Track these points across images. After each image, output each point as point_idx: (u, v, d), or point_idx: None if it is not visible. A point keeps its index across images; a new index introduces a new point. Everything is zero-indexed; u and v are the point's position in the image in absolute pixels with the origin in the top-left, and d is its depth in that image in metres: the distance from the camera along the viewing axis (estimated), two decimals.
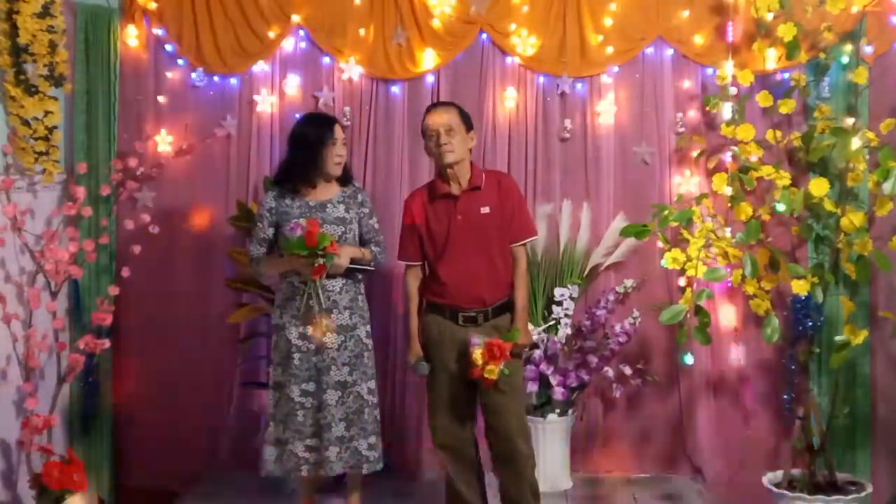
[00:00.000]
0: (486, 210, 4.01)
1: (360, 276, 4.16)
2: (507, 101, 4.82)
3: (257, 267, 4.22)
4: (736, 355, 4.80)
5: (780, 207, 4.34)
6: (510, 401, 3.99)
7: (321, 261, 3.88)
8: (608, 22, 4.77)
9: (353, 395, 4.07)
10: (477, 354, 3.82)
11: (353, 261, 4.05)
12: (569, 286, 4.72)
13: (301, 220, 3.98)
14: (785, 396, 4.68)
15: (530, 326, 4.31)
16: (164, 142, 4.89)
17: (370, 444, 4.10)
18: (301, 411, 4.07)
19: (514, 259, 4.08)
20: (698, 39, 4.75)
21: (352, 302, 4.10)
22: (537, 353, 4.61)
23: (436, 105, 4.17)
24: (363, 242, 4.19)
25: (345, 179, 4.19)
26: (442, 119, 3.99)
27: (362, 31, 4.84)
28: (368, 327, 4.18)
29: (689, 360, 4.75)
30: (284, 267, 4.08)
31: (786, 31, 4.46)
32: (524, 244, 4.11)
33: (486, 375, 3.80)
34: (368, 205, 4.22)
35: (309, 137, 4.09)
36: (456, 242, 4.00)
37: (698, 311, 4.13)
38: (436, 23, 4.80)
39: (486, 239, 4.00)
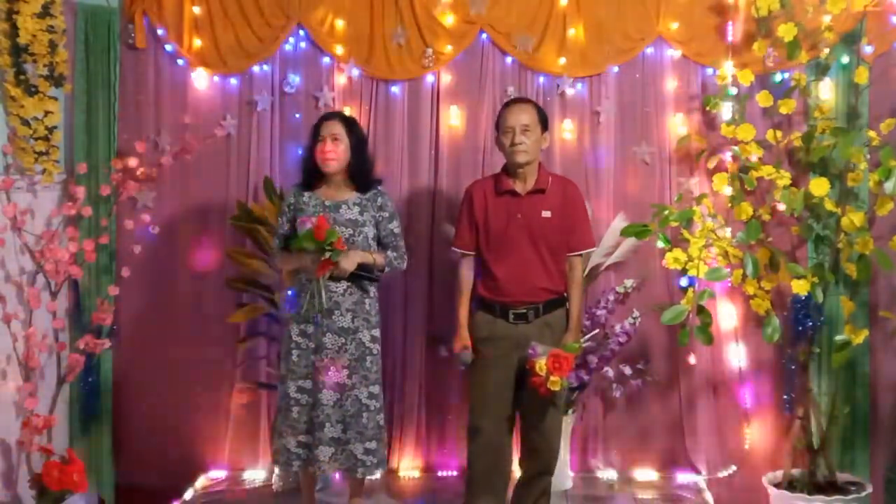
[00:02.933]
0: (547, 214, 4.02)
1: (366, 284, 4.11)
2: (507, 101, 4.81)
3: (274, 261, 4.25)
4: (736, 355, 4.80)
5: (781, 207, 4.33)
6: (555, 406, 4.04)
7: (328, 255, 3.87)
8: (608, 22, 4.76)
9: (352, 398, 4.05)
10: (541, 364, 3.79)
11: (360, 266, 4.04)
12: None
13: (313, 216, 3.99)
14: (785, 396, 4.68)
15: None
16: (163, 142, 4.88)
17: (367, 448, 4.07)
18: (296, 408, 4.06)
19: (571, 268, 4.11)
20: (698, 39, 4.75)
21: (356, 305, 4.07)
22: None
23: (515, 101, 4.17)
24: (382, 246, 4.17)
25: (362, 182, 4.13)
26: (520, 117, 4.00)
27: (362, 31, 4.83)
28: (375, 331, 4.14)
29: (692, 360, 4.75)
30: (294, 263, 4.07)
31: (786, 31, 4.46)
32: (581, 255, 4.14)
33: (549, 387, 3.79)
34: (389, 209, 4.16)
35: (310, 134, 4.15)
36: (512, 240, 4.01)
37: (700, 311, 4.13)
38: (436, 23, 4.80)
39: (542, 242, 4.02)
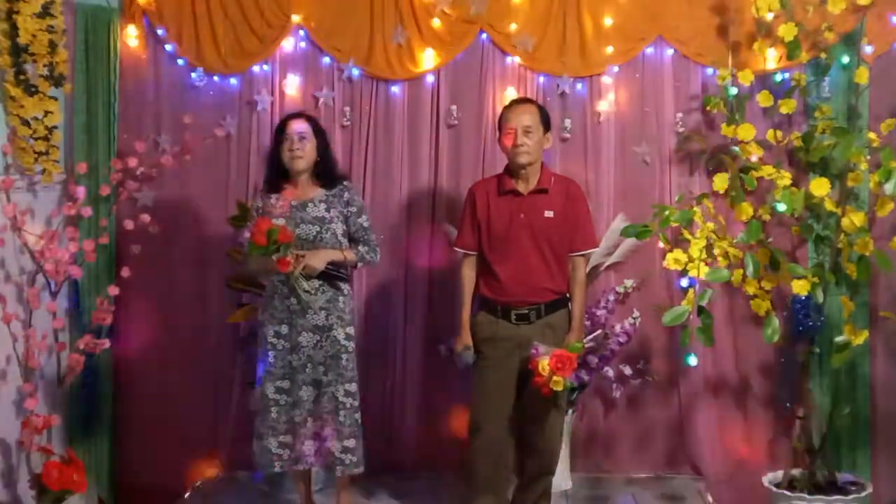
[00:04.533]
0: (549, 214, 4.01)
1: (338, 282, 4.11)
2: (507, 101, 4.79)
3: (247, 266, 4.24)
4: (736, 355, 4.79)
5: (781, 207, 4.33)
6: (556, 406, 4.03)
7: (276, 255, 3.87)
8: (608, 22, 4.76)
9: (328, 395, 4.05)
10: (544, 364, 3.78)
11: (332, 264, 4.04)
12: None
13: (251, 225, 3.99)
14: (785, 396, 4.68)
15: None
16: (164, 142, 4.88)
17: (345, 446, 4.06)
18: (275, 408, 4.07)
19: (573, 268, 4.10)
20: (698, 39, 4.75)
21: (329, 303, 4.06)
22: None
23: (517, 101, 4.16)
24: (353, 241, 4.17)
25: (328, 179, 4.15)
26: (522, 118, 3.99)
27: (362, 31, 4.83)
28: (350, 329, 4.12)
29: (692, 360, 4.75)
30: (264, 265, 4.05)
31: (786, 31, 4.46)
32: (584, 255, 4.13)
33: (552, 387, 3.77)
34: (357, 203, 4.18)
35: (273, 135, 4.17)
36: (515, 241, 4.01)
37: (701, 311, 4.13)
38: (436, 23, 4.80)
39: (545, 242, 4.01)
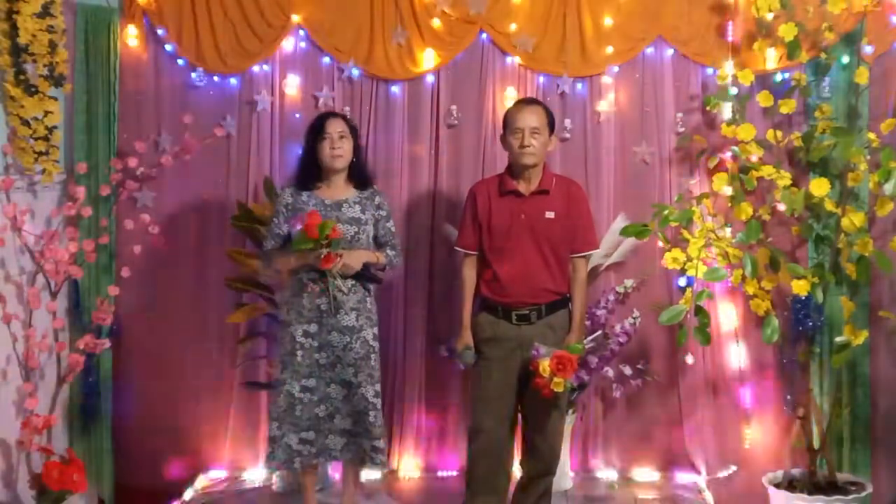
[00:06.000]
0: (550, 215, 4.01)
1: (368, 284, 4.14)
2: (507, 101, 4.79)
3: (269, 260, 4.21)
4: (736, 355, 4.79)
5: (781, 207, 4.33)
6: (557, 407, 4.03)
7: (325, 250, 3.88)
8: (608, 22, 4.76)
9: (358, 395, 4.06)
10: (545, 366, 3.78)
11: (365, 265, 4.05)
12: None
13: (303, 216, 3.98)
14: (786, 397, 4.68)
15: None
16: (164, 142, 4.88)
17: (374, 446, 4.08)
18: (299, 406, 4.07)
19: (574, 269, 4.11)
20: (698, 39, 4.75)
21: (359, 303, 4.08)
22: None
23: (526, 102, 4.14)
24: (379, 245, 4.18)
25: (361, 181, 4.17)
26: (530, 119, 3.98)
27: (362, 31, 4.83)
28: (376, 329, 4.15)
29: (689, 360, 4.75)
30: (296, 262, 4.05)
31: (786, 31, 4.46)
32: (585, 256, 4.13)
33: (553, 389, 3.77)
34: (386, 208, 4.19)
35: (308, 133, 4.16)
36: (515, 241, 4.01)
37: (698, 311, 4.13)
38: (436, 23, 4.80)
39: (545, 242, 4.01)
